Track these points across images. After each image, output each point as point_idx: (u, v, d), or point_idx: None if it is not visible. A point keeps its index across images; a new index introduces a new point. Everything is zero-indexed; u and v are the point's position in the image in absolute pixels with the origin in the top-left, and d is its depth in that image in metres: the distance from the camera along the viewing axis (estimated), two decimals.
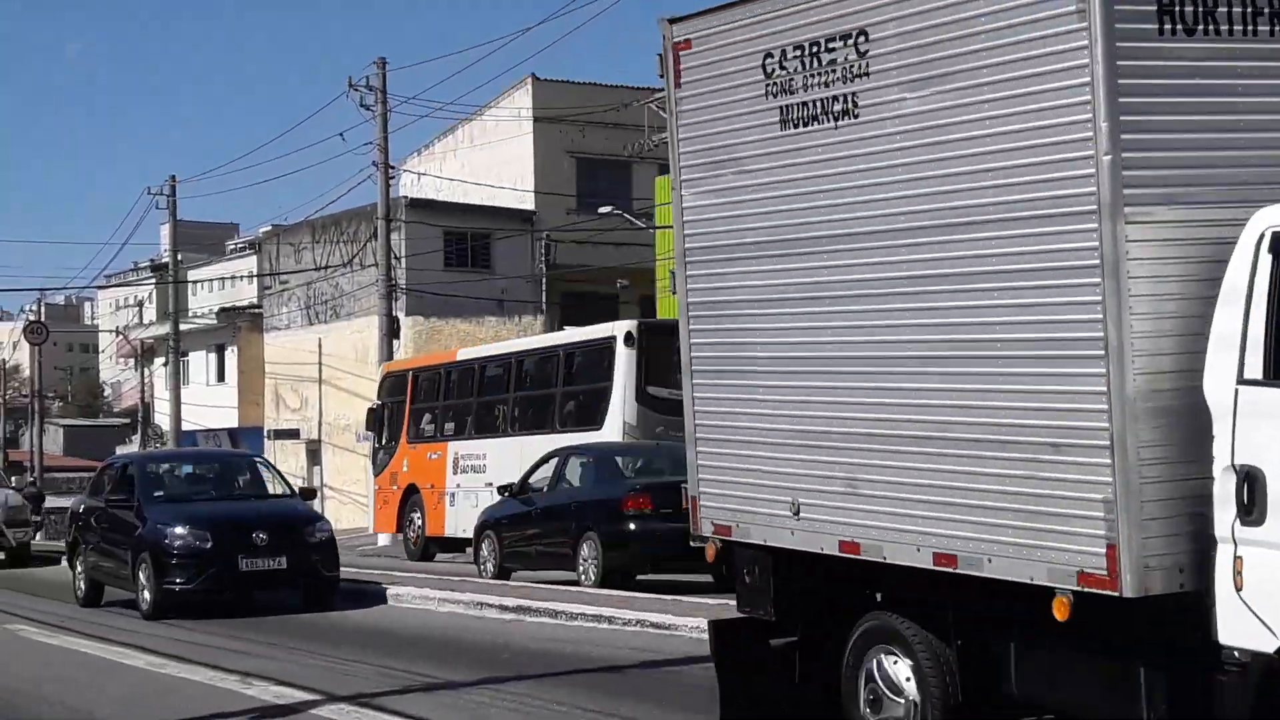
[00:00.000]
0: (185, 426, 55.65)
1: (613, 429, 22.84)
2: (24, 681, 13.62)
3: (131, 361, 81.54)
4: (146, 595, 19.03)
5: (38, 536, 37.68)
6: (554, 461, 21.34)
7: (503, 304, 51.05)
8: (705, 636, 14.73)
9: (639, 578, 19.81)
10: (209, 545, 18.91)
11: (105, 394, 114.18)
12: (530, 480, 21.75)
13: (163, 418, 61.72)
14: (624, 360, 22.67)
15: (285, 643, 15.92)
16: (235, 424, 59.78)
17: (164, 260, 75.20)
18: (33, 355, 68.73)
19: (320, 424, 52.77)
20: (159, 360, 67.07)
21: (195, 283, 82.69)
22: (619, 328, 23.23)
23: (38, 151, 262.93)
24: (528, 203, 52.80)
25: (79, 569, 21.49)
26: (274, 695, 12.08)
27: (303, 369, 53.86)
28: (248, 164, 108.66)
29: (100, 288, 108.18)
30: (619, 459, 20.81)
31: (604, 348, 23.20)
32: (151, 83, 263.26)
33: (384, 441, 29.70)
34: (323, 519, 20.56)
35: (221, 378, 63.64)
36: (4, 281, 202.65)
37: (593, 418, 23.28)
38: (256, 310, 63.29)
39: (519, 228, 51.75)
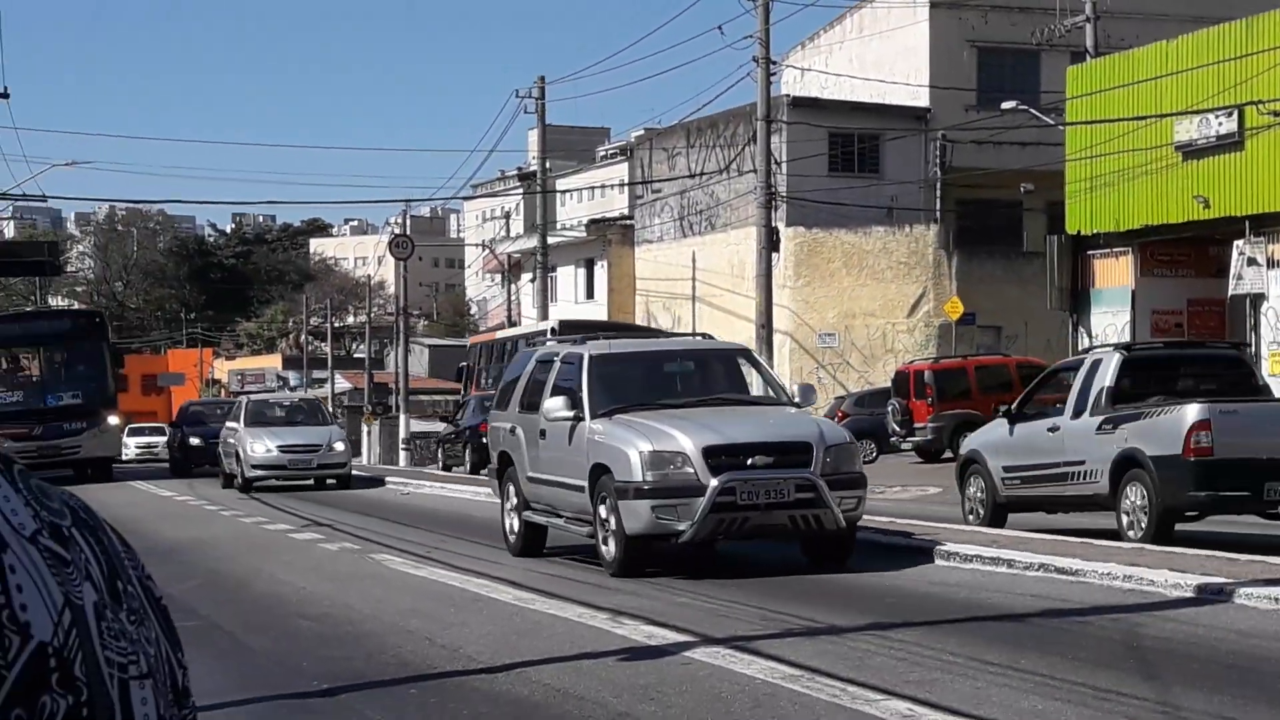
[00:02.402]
0: None
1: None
2: (391, 613, 14.40)
3: (498, 277, 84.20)
4: None
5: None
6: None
7: (892, 213, 50.82)
8: (1114, 584, 14.62)
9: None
10: None
11: (471, 312, 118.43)
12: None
13: None
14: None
15: (660, 580, 16.42)
16: None
17: (532, 168, 77.32)
18: (397, 270, 71.46)
19: None
20: (526, 276, 69.06)
21: (564, 192, 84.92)
22: (548, 324, 39.03)
23: (402, 55, 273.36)
24: (921, 99, 52.29)
25: None
26: (645, 635, 12.48)
27: (675, 285, 54.81)
28: (620, 62, 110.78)
29: (466, 199, 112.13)
30: None
31: (542, 335, 37.24)
32: None
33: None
34: None
35: (590, 295, 65.04)
36: (368, 193, 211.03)
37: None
38: (627, 222, 64.55)
39: (911, 127, 51.28)
